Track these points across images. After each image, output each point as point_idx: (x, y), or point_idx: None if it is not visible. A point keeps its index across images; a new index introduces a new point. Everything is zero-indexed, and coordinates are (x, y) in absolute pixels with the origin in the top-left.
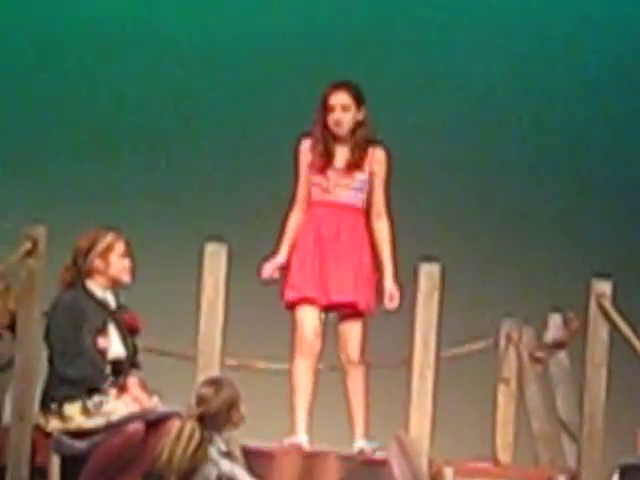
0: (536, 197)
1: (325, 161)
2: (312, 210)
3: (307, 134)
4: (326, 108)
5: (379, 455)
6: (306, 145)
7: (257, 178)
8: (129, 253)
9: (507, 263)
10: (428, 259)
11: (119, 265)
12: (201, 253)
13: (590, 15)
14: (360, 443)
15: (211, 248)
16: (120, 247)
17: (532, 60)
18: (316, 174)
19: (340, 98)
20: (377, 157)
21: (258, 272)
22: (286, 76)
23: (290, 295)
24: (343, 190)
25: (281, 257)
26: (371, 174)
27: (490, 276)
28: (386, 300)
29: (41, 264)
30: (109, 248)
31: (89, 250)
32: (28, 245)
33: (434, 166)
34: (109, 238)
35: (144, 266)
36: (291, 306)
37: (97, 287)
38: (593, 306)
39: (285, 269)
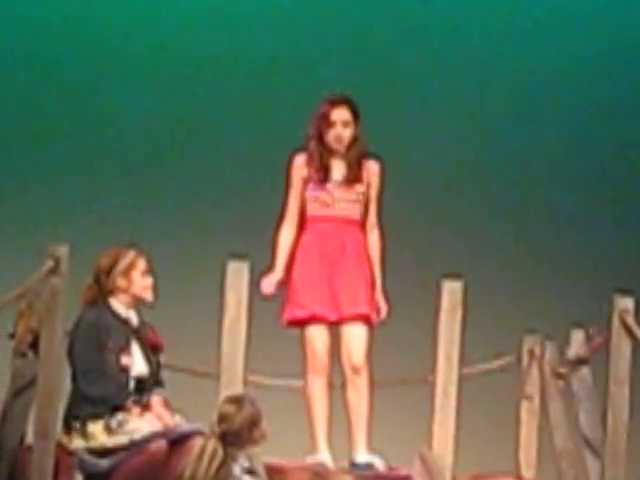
0: (559, 213)
1: (321, 175)
2: (313, 226)
3: (299, 150)
4: (326, 123)
5: (394, 470)
6: (301, 160)
7: (280, 194)
8: (151, 271)
9: (529, 279)
10: (451, 276)
11: (141, 283)
12: (223, 270)
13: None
14: (365, 457)
15: (233, 265)
16: (142, 265)
17: (558, 68)
18: (314, 189)
19: (342, 114)
20: (372, 169)
21: (257, 289)
22: (298, 86)
23: (298, 313)
24: (344, 204)
25: (278, 273)
26: (367, 187)
27: (512, 292)
28: (374, 314)
29: (64, 283)
30: (131, 266)
31: (111, 269)
32: (51, 264)
33: (455, 183)
34: (131, 256)
35: (166, 284)
36: (297, 324)
37: (120, 305)
38: (616, 322)
39: (287, 286)
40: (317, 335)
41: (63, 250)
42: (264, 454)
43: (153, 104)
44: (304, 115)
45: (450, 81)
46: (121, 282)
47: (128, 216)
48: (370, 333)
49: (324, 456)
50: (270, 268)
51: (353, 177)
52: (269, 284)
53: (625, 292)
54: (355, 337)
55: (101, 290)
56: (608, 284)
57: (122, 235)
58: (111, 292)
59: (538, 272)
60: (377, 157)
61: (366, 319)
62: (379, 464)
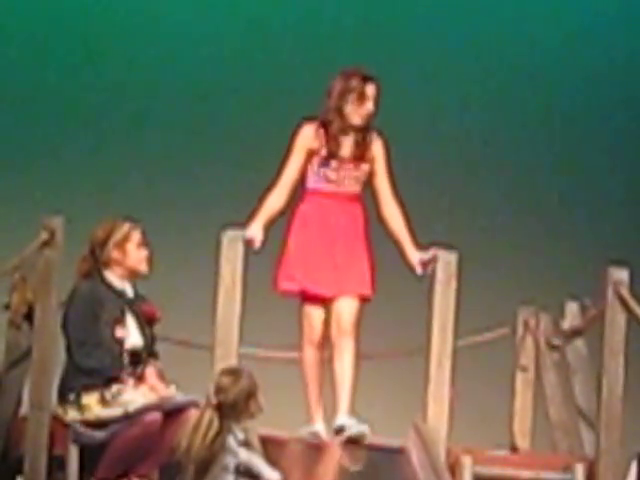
0: (553, 185)
1: (330, 150)
2: (314, 199)
3: (309, 119)
4: (358, 97)
5: (363, 428)
6: (310, 131)
7: (274, 165)
8: (146, 243)
9: (524, 251)
10: (445, 248)
11: (136, 255)
12: (218, 241)
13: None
14: (342, 420)
15: (228, 236)
16: (137, 237)
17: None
18: (320, 163)
19: (374, 90)
20: (376, 145)
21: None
22: (300, 65)
23: (289, 286)
24: (348, 180)
25: (254, 230)
26: (371, 162)
27: (507, 264)
28: (418, 269)
29: (58, 254)
30: (126, 238)
31: (106, 240)
32: (45, 235)
33: (450, 157)
34: (125, 228)
35: (161, 255)
36: (285, 295)
37: (115, 277)
38: (610, 294)
39: (282, 253)
40: (313, 309)
41: (58, 222)
42: (259, 426)
43: (150, 74)
44: (301, 89)
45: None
46: (116, 254)
47: (123, 187)
48: (361, 309)
49: (318, 426)
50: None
51: (360, 155)
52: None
53: (620, 263)
54: (345, 306)
55: (96, 262)
56: (603, 255)
57: (117, 207)
58: (106, 264)
59: (533, 243)
60: (379, 131)
61: (361, 297)
62: (352, 426)
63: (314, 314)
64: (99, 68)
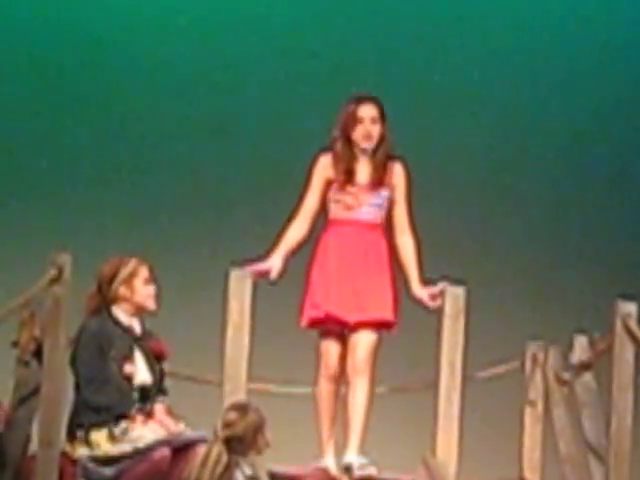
0: (562, 219)
1: (346, 178)
2: (335, 228)
3: (325, 150)
4: (353, 120)
5: (370, 471)
6: (326, 160)
7: (282, 200)
8: (153, 279)
9: (532, 285)
10: (454, 282)
11: (143, 292)
12: (226, 278)
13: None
14: (351, 458)
15: (236, 273)
16: (144, 273)
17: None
18: (338, 191)
19: (370, 110)
20: (397, 172)
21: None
22: (308, 92)
23: (312, 314)
24: (367, 207)
25: (274, 262)
26: (392, 189)
27: (516, 298)
28: (430, 302)
29: (66, 291)
30: (133, 274)
31: (113, 277)
32: (53, 272)
33: (459, 190)
34: (132, 264)
35: (170, 292)
36: (315, 324)
37: (122, 314)
38: (619, 327)
39: (306, 286)
40: (330, 342)
41: (66, 258)
42: (268, 461)
43: (158, 113)
44: (313, 123)
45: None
46: (123, 291)
47: (131, 224)
48: (379, 339)
49: (328, 461)
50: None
51: (379, 180)
52: (253, 269)
53: (628, 297)
54: (361, 340)
55: (104, 299)
56: (611, 289)
57: (125, 244)
58: (114, 301)
59: (541, 278)
60: (402, 159)
61: (384, 325)
62: (360, 467)
63: (331, 348)
64: (105, 102)
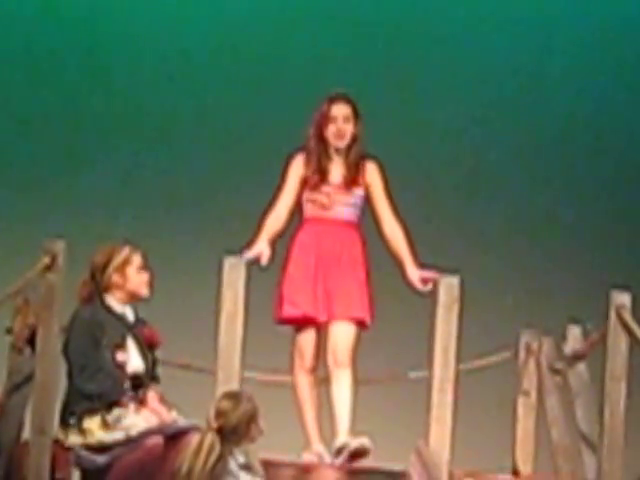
0: (555, 209)
1: (320, 177)
2: (310, 226)
3: (300, 149)
4: (326, 119)
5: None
6: (300, 160)
7: (275, 189)
8: (146, 266)
9: (526, 274)
10: (447, 271)
11: (137, 279)
12: (220, 266)
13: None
14: (342, 439)
15: (230, 261)
16: (137, 260)
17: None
18: (312, 190)
19: (342, 109)
20: (370, 170)
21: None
22: (294, 85)
23: (290, 312)
24: (341, 206)
25: (261, 246)
26: (367, 188)
27: (509, 288)
28: (419, 285)
29: (60, 279)
30: (126, 262)
31: (106, 265)
32: (47, 260)
33: (452, 179)
34: (125, 252)
35: (163, 280)
36: (289, 322)
37: (116, 302)
38: (612, 318)
39: (281, 284)
40: (306, 336)
41: (59, 246)
42: (261, 450)
43: (148, 100)
44: (301, 112)
45: (454, 80)
46: (116, 278)
47: (124, 211)
48: (358, 334)
49: (317, 447)
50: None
51: (352, 180)
52: (248, 255)
53: (622, 288)
54: (342, 333)
55: (97, 287)
56: (605, 280)
57: (118, 231)
58: (107, 289)
59: (535, 267)
60: (373, 157)
61: (357, 322)
62: (354, 442)
63: (305, 340)
64: (103, 93)
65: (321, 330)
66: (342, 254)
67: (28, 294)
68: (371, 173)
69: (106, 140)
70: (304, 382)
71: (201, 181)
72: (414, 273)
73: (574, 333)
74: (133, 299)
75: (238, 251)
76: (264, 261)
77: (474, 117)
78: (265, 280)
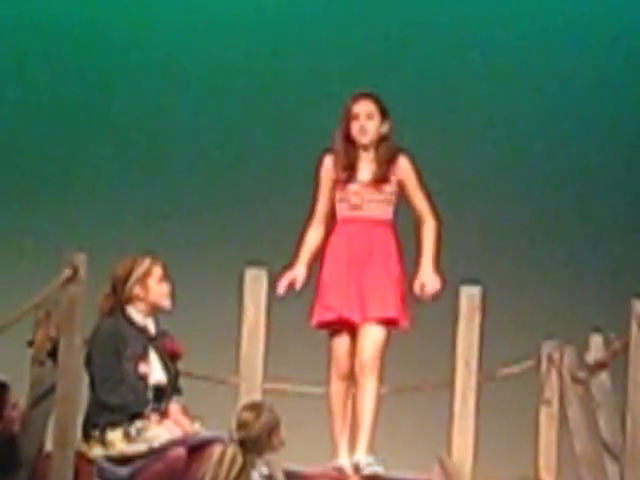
0: (577, 217)
1: (349, 175)
2: (341, 227)
3: (328, 150)
4: (350, 117)
5: (376, 469)
6: (329, 161)
7: (297, 201)
8: (167, 277)
9: (548, 284)
10: (469, 281)
11: (158, 290)
12: (242, 278)
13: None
14: (358, 457)
15: (251, 273)
16: (158, 272)
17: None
18: (342, 190)
19: (364, 106)
20: (402, 165)
21: (275, 295)
22: (316, 93)
23: (326, 316)
24: (373, 204)
25: (298, 271)
26: (399, 184)
27: (531, 297)
28: (417, 288)
29: (82, 291)
30: (147, 274)
31: (127, 277)
32: (69, 272)
33: (475, 188)
34: (146, 264)
35: (185, 291)
36: (326, 326)
37: (137, 313)
38: (634, 326)
39: (316, 288)
40: (341, 341)
41: (81, 258)
42: (284, 460)
43: (172, 114)
44: (322, 122)
45: (474, 85)
46: (138, 290)
47: (146, 223)
48: (387, 336)
49: (343, 461)
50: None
51: (381, 177)
52: (284, 283)
53: None
54: (369, 336)
55: (118, 299)
56: (627, 288)
57: (140, 243)
58: (128, 301)
59: (557, 277)
60: (404, 150)
61: (388, 322)
62: (367, 465)
63: (341, 347)
64: (120, 105)
65: (355, 335)
66: (374, 252)
67: (50, 307)
68: (403, 169)
69: (128, 153)
70: (337, 390)
71: (223, 192)
72: (423, 274)
73: (596, 342)
74: (154, 311)
75: (261, 261)
76: (298, 286)
77: (498, 120)
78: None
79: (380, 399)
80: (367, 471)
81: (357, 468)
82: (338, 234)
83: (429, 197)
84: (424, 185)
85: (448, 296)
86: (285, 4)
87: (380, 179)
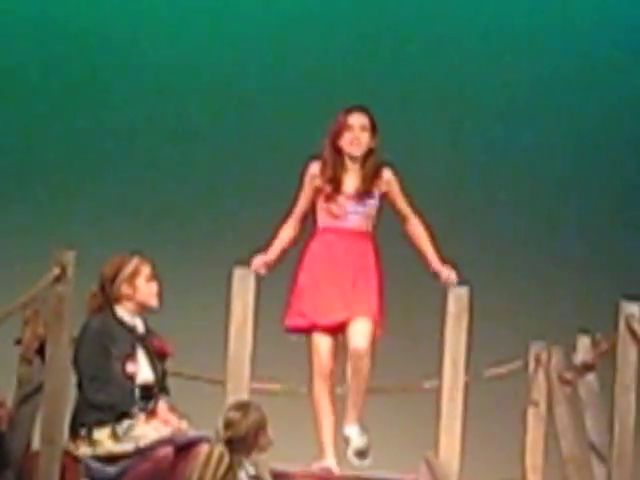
0: (565, 218)
1: (334, 187)
2: (322, 236)
3: (315, 157)
4: (342, 128)
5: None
6: (315, 168)
7: (284, 201)
8: (155, 277)
9: (536, 285)
10: (457, 282)
11: (146, 290)
12: (229, 277)
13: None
14: (351, 430)
15: (239, 272)
16: (146, 271)
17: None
18: (325, 200)
19: (359, 119)
20: (385, 177)
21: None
22: (304, 97)
23: (299, 322)
24: (354, 216)
25: (271, 255)
26: (383, 195)
27: (519, 298)
28: (446, 278)
29: (70, 290)
30: (135, 273)
31: (115, 276)
32: (57, 271)
33: (461, 189)
34: (134, 263)
35: (173, 290)
36: (299, 331)
37: (125, 312)
38: (622, 328)
39: (291, 292)
40: (322, 341)
41: (69, 257)
42: (270, 460)
43: (160, 112)
44: (311, 125)
45: (465, 87)
46: (126, 289)
47: (134, 222)
48: (374, 330)
49: (330, 461)
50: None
51: (365, 190)
52: (258, 261)
53: (631, 298)
54: (359, 326)
55: (106, 298)
56: (614, 290)
57: (128, 242)
58: (116, 300)
59: (544, 278)
60: (388, 163)
61: (373, 321)
62: (355, 440)
63: (322, 346)
64: (111, 104)
65: (336, 336)
66: (354, 263)
67: (38, 305)
68: (387, 179)
69: (117, 151)
70: (320, 390)
71: (211, 192)
72: (440, 268)
73: (584, 343)
74: (142, 310)
75: (249, 261)
76: (263, 271)
77: (488, 119)
78: (274, 290)
79: (369, 377)
80: (358, 442)
81: (348, 440)
82: (318, 242)
83: (410, 200)
84: (407, 195)
85: (436, 297)
86: (285, 4)
87: (364, 192)
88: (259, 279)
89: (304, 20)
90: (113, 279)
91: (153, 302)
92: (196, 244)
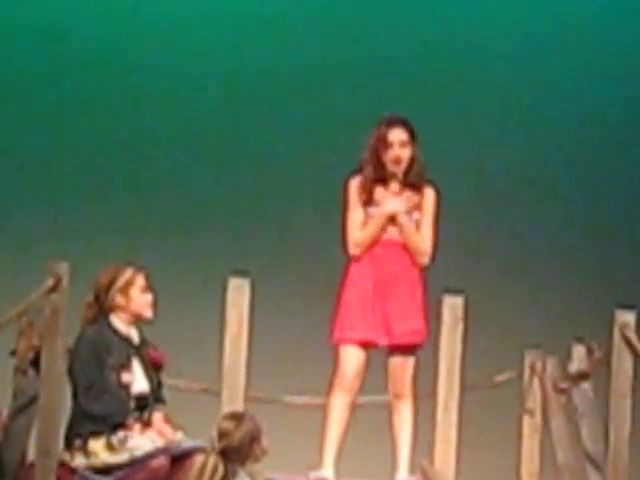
0: (560, 227)
1: (376, 200)
2: (368, 249)
3: (354, 173)
4: (384, 144)
5: None
6: (356, 183)
7: (279, 213)
8: (150, 287)
9: (530, 294)
10: (452, 291)
11: (140, 300)
12: (224, 287)
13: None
14: (401, 477)
15: (234, 283)
16: (140, 281)
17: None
18: (370, 213)
19: (398, 134)
20: (428, 196)
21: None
22: (306, 110)
23: (349, 334)
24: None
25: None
26: (421, 212)
27: (514, 307)
28: None
29: (64, 300)
30: (129, 283)
31: (110, 286)
32: (51, 281)
33: (455, 198)
34: (129, 273)
35: (168, 301)
36: (346, 343)
37: (120, 322)
38: (617, 337)
39: (338, 307)
40: (352, 356)
41: (64, 267)
42: (266, 470)
43: (156, 122)
44: (307, 138)
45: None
46: (120, 299)
47: (129, 233)
48: (417, 361)
49: (327, 471)
50: None
51: (412, 204)
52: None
53: (626, 306)
54: (401, 364)
55: (101, 308)
56: (609, 298)
57: (123, 252)
58: (111, 310)
59: (539, 287)
60: (432, 182)
61: (415, 347)
62: None
63: (351, 362)
64: (103, 116)
65: (369, 351)
66: (400, 275)
67: (32, 316)
68: (427, 199)
69: (112, 162)
70: (339, 402)
71: (207, 202)
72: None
73: (579, 352)
74: (137, 320)
75: (244, 271)
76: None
77: (480, 129)
78: (269, 300)
79: (416, 420)
80: None
81: None
82: (365, 256)
83: (436, 237)
84: (436, 222)
85: (431, 306)
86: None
87: (411, 205)
88: (254, 288)
89: (309, 26)
90: (107, 289)
91: (147, 313)
92: (191, 254)
